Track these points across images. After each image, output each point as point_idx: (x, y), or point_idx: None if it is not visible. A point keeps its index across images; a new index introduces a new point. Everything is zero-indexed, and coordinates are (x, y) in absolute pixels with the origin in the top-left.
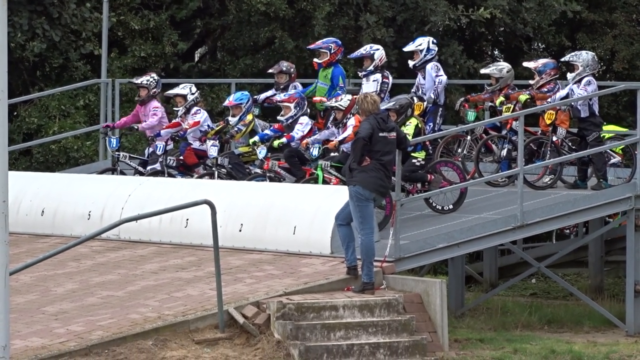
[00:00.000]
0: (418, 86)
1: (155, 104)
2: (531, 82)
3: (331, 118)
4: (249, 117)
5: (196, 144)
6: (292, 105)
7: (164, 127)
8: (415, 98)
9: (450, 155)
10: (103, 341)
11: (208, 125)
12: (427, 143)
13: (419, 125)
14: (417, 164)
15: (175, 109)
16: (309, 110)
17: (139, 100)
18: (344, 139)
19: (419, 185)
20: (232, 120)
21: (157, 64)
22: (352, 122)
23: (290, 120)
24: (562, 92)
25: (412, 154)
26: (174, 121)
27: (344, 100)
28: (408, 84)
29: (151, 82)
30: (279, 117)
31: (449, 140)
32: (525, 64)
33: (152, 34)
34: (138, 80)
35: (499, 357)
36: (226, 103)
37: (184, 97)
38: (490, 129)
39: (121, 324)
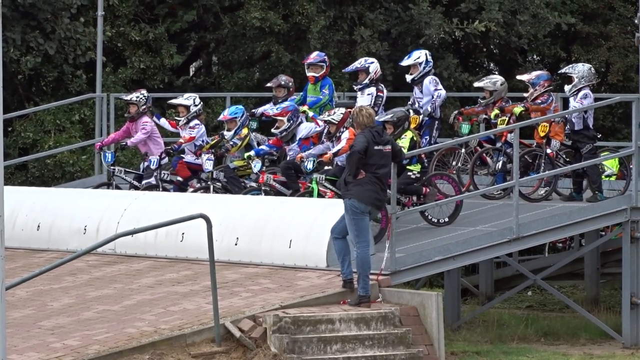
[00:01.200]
0: (414, 100)
1: (145, 119)
2: (525, 94)
3: (324, 131)
4: (244, 131)
5: (189, 157)
6: (285, 119)
7: (159, 140)
8: (411, 111)
9: (445, 168)
10: (100, 355)
11: (203, 140)
12: (423, 156)
13: (415, 139)
14: (413, 177)
15: (177, 118)
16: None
17: (129, 116)
18: (337, 151)
19: (414, 198)
20: (227, 134)
21: (155, 76)
22: (346, 135)
23: (284, 133)
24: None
25: (408, 167)
26: (172, 122)
27: (337, 114)
28: (403, 97)
29: (141, 98)
30: (273, 130)
31: (443, 153)
32: (518, 76)
33: (151, 46)
34: (128, 97)
35: None
36: (221, 117)
37: (187, 107)
38: (484, 142)
39: (118, 338)
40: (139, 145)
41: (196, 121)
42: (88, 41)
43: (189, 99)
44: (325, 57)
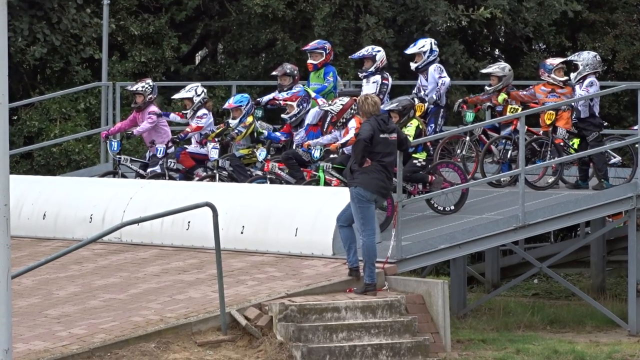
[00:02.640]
0: (419, 88)
1: (151, 108)
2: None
3: (328, 119)
4: (249, 119)
5: (193, 147)
6: (295, 104)
7: (165, 129)
8: (416, 99)
9: (450, 156)
10: (105, 344)
11: (210, 129)
12: (429, 144)
13: (420, 127)
14: (419, 165)
15: (184, 111)
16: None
17: (136, 106)
18: (346, 142)
19: (420, 186)
20: (233, 122)
21: (157, 68)
22: (352, 124)
23: (294, 119)
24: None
25: (414, 155)
26: (183, 112)
27: (337, 104)
28: (409, 85)
29: (147, 88)
30: (283, 116)
31: (447, 141)
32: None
33: (152, 39)
34: (133, 88)
35: (502, 357)
36: (226, 106)
37: (191, 99)
38: (489, 130)
39: (123, 327)
40: (145, 134)
41: (204, 110)
42: (93, 32)
43: (190, 91)
44: (325, 45)
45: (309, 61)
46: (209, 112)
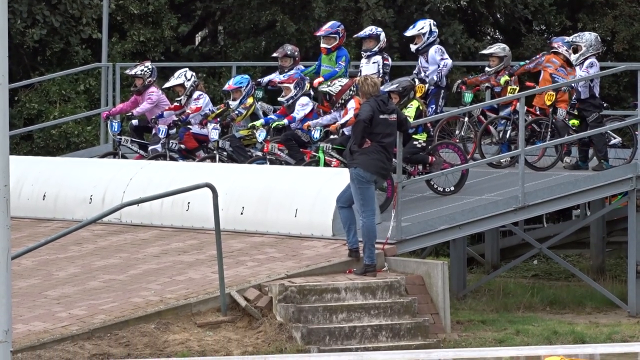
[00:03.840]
0: (420, 69)
1: (151, 89)
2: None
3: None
4: (250, 100)
5: (196, 128)
6: (292, 86)
7: (165, 109)
8: (416, 80)
9: (449, 137)
10: (105, 325)
11: (209, 109)
12: (429, 125)
13: (420, 108)
14: (419, 146)
15: (177, 99)
16: (312, 92)
17: (135, 90)
18: (345, 122)
19: (420, 167)
20: (233, 104)
21: (156, 48)
22: (352, 104)
23: (290, 101)
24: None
25: (414, 136)
26: (175, 104)
27: (336, 85)
28: (410, 66)
29: (145, 71)
30: (279, 99)
31: (446, 122)
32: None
33: (152, 18)
34: (132, 72)
35: (501, 338)
36: (226, 87)
37: (182, 85)
38: (488, 111)
39: (123, 308)
40: (147, 115)
41: (198, 92)
42: (93, 13)
43: (179, 77)
44: (339, 28)
45: (323, 45)
46: (203, 92)
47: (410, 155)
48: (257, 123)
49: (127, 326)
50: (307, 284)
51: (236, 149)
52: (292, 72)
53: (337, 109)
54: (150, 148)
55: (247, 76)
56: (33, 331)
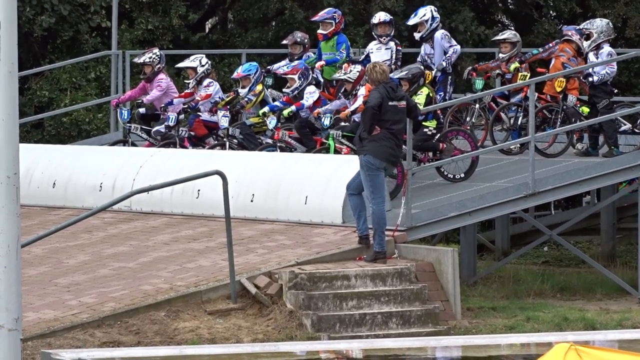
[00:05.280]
0: (424, 56)
1: (160, 76)
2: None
3: (342, 90)
4: (259, 87)
5: (206, 115)
6: (296, 77)
7: (175, 97)
8: (422, 67)
9: (459, 124)
10: (115, 313)
11: (219, 97)
12: (439, 112)
13: (431, 95)
14: (429, 133)
15: (186, 81)
16: (319, 80)
17: (145, 77)
18: (355, 109)
19: (430, 154)
20: (242, 91)
21: (164, 36)
22: (362, 92)
23: (296, 92)
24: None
25: (424, 123)
26: (186, 91)
27: (353, 72)
28: (418, 54)
29: (154, 58)
30: (284, 90)
31: (457, 109)
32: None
33: (160, 6)
34: (140, 60)
35: (512, 325)
36: (235, 75)
37: (194, 69)
38: (499, 98)
39: (133, 296)
40: (156, 103)
41: (208, 79)
42: (102, 1)
43: (194, 61)
44: (335, 14)
45: (319, 31)
46: (214, 80)
47: (421, 143)
48: (262, 110)
49: (137, 314)
50: (317, 271)
51: (247, 137)
52: (295, 62)
53: (353, 97)
54: (153, 130)
55: (255, 63)
56: (43, 319)
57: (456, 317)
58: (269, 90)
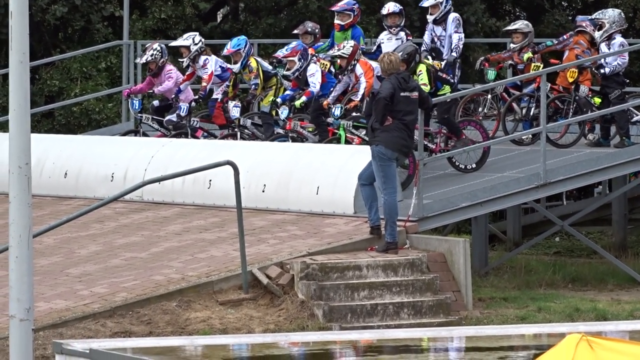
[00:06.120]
0: (433, 37)
1: (168, 68)
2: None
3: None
4: (253, 63)
5: (220, 94)
6: (295, 59)
7: (180, 82)
8: (429, 57)
9: (469, 115)
10: (127, 303)
11: (221, 67)
12: (445, 76)
13: (429, 69)
14: (448, 100)
15: (180, 59)
16: (317, 61)
17: (151, 73)
18: (362, 95)
19: (442, 144)
20: (235, 67)
21: (177, 25)
22: (359, 70)
23: (297, 73)
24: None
25: (438, 93)
26: (187, 73)
27: (347, 47)
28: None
29: (155, 55)
30: (285, 72)
31: (468, 100)
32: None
33: None
34: (143, 60)
35: (523, 315)
36: (225, 52)
37: (188, 47)
38: (511, 88)
39: (145, 286)
40: (167, 94)
41: (204, 57)
42: None
43: (187, 39)
44: (354, 6)
45: (337, 21)
46: (209, 56)
47: (447, 115)
48: (276, 100)
49: (149, 304)
50: (329, 261)
51: (266, 125)
52: (293, 44)
53: (347, 74)
54: (165, 119)
55: (244, 37)
56: (55, 309)
57: (467, 308)
58: (281, 77)
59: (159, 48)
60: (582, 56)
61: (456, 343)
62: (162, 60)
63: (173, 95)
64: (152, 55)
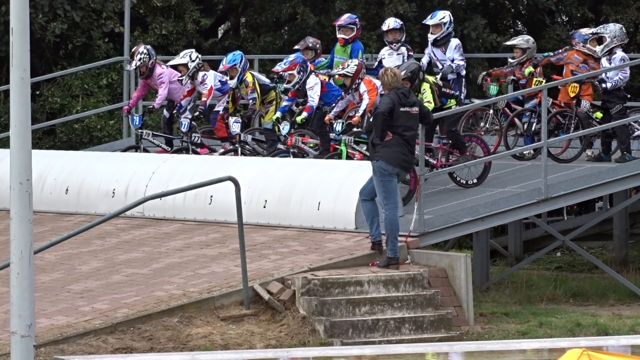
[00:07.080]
0: (433, 59)
1: (158, 71)
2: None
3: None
4: (249, 77)
5: (222, 107)
6: (295, 72)
7: (181, 94)
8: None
9: (471, 130)
10: (128, 319)
11: (220, 81)
12: (448, 91)
13: (432, 86)
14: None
15: (178, 78)
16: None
17: (143, 77)
18: (364, 111)
19: (443, 159)
20: (232, 82)
21: (178, 41)
22: (363, 87)
23: (297, 86)
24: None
25: (444, 107)
26: (187, 90)
27: (351, 66)
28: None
29: (143, 59)
30: (285, 85)
31: (470, 115)
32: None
33: (174, 11)
34: (132, 67)
35: (525, 330)
36: (221, 68)
37: (185, 65)
38: (512, 103)
39: (146, 302)
40: (172, 97)
41: (202, 73)
42: (115, 7)
43: (184, 57)
44: (357, 20)
45: (340, 36)
46: (207, 71)
47: (454, 128)
48: (276, 116)
49: (150, 320)
50: (330, 277)
51: (270, 142)
52: (291, 57)
53: (354, 91)
54: (181, 118)
55: (239, 52)
56: (56, 325)
57: (469, 323)
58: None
59: (145, 50)
60: (577, 71)
61: (457, 358)
62: (151, 61)
63: (177, 104)
64: (140, 60)
